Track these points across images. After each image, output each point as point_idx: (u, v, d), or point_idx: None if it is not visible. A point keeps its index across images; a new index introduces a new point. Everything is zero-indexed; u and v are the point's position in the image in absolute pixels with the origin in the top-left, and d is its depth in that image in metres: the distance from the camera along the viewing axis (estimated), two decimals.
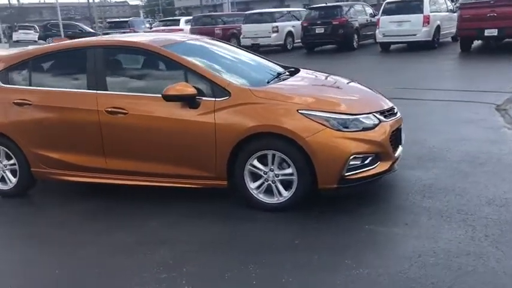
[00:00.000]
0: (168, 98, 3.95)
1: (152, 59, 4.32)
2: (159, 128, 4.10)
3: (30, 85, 4.61)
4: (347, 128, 3.84)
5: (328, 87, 4.51)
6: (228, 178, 4.06)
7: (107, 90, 4.29)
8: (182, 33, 6.40)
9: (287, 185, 3.94)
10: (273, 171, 3.93)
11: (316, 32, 17.60)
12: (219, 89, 4.00)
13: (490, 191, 4.15)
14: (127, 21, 23.96)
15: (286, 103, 3.90)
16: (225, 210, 4.13)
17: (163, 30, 22.36)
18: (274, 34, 18.73)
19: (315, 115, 3.81)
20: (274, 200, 3.99)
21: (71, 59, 4.58)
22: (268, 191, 4.01)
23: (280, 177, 3.94)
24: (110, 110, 4.20)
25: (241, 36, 19.58)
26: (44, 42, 24.93)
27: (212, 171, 4.06)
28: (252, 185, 4.01)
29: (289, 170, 3.88)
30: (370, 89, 4.72)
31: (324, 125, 3.79)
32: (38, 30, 30.04)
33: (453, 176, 4.55)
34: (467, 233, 3.46)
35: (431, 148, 5.44)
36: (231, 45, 5.53)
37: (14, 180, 4.73)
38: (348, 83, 4.75)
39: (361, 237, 3.52)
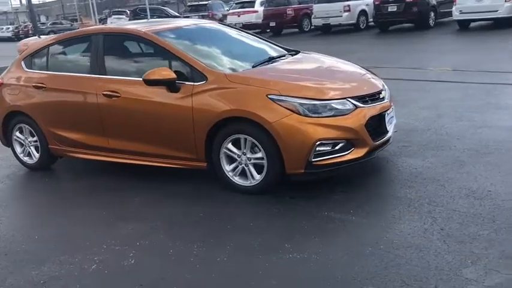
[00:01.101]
0: (148, 82, 4.17)
1: (143, 45, 4.57)
2: (145, 110, 4.36)
3: (47, 70, 5.09)
4: (317, 113, 3.81)
5: (312, 72, 4.45)
6: (208, 160, 4.22)
7: (106, 74, 4.62)
8: (192, 20, 6.53)
9: (260, 168, 4.02)
10: (245, 154, 4.03)
11: (389, 10, 16.85)
12: (198, 74, 4.15)
13: (477, 183, 3.90)
14: (206, 4, 24.60)
15: (257, 88, 3.95)
16: (204, 192, 4.29)
17: (238, 13, 22.74)
18: (346, 13, 18.24)
19: (283, 100, 3.83)
20: (247, 183, 4.09)
21: (79, 45, 4.98)
22: (243, 174, 4.11)
23: (252, 161, 4.02)
24: (106, 93, 4.52)
25: (313, 16, 19.32)
26: None
27: (192, 153, 4.24)
28: (227, 168, 4.14)
29: (260, 154, 3.95)
30: (367, 71, 4.60)
31: (291, 110, 3.80)
32: (128, 15, 31.88)
33: (447, 166, 4.32)
34: (424, 225, 3.33)
35: (443, 135, 5.16)
36: (236, 29, 5.60)
37: (37, 155, 5.28)
38: (339, 67, 4.65)
39: (314, 223, 3.53)
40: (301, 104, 3.81)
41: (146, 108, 4.34)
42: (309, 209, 3.76)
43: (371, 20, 18.42)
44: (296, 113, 3.79)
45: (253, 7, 22.61)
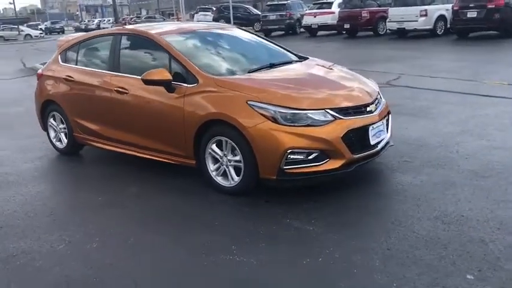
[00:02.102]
0: (146, 82, 4.47)
1: (152, 46, 4.84)
2: (147, 107, 4.66)
3: (76, 64, 5.59)
4: (291, 122, 3.87)
5: (302, 80, 4.46)
6: (196, 159, 4.44)
7: (119, 72, 4.99)
8: (206, 23, 6.72)
9: (238, 171, 4.15)
10: (226, 156, 4.19)
11: (468, 16, 15.97)
12: (191, 76, 4.37)
13: (454, 207, 3.75)
14: (285, 4, 24.75)
15: (239, 94, 4.08)
16: (190, 188, 4.49)
17: (315, 13, 22.67)
18: (422, 18, 17.52)
19: (261, 107, 3.93)
20: (227, 183, 4.25)
21: (103, 43, 5.40)
22: (225, 175, 4.27)
23: (232, 163, 4.17)
24: (117, 89, 4.89)
25: (388, 20, 18.79)
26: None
27: (183, 150, 4.48)
28: (212, 167, 4.33)
29: (238, 157, 4.09)
30: (366, 83, 4.57)
31: (266, 117, 3.89)
32: (213, 12, 32.94)
33: (436, 185, 4.18)
34: (373, 243, 3.28)
35: (452, 153, 4.95)
36: (253, 35, 5.72)
37: (65, 141, 5.82)
38: (333, 77, 4.62)
39: (272, 229, 3.60)
40: (276, 112, 3.89)
41: (148, 105, 4.64)
42: (276, 215, 3.84)
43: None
44: (271, 120, 3.88)
45: (331, 8, 22.45)
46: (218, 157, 4.24)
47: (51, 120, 5.91)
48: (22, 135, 6.90)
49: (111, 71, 5.06)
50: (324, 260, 3.13)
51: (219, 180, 4.30)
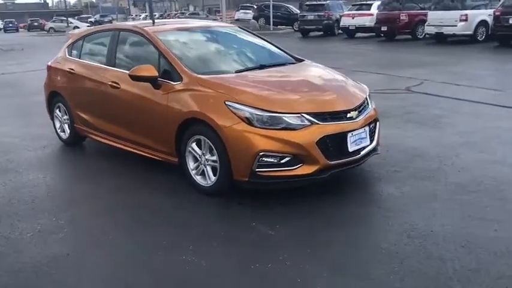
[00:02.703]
0: (133, 78, 4.53)
1: (145, 42, 4.89)
2: (135, 103, 4.73)
3: (78, 58, 5.74)
4: (266, 124, 3.83)
5: (285, 83, 4.38)
6: (178, 156, 4.46)
7: (114, 66, 5.08)
8: (209, 22, 6.69)
9: (215, 171, 4.15)
10: (205, 156, 4.19)
11: (510, 22, 15.28)
12: (176, 74, 4.40)
13: (426, 221, 3.61)
14: (324, 4, 24.48)
15: (218, 94, 4.08)
16: (176, 186, 4.49)
17: (353, 15, 22.34)
18: (462, 23, 16.91)
19: (237, 108, 3.91)
20: (205, 183, 4.25)
21: (103, 39, 5.51)
22: (204, 174, 4.27)
23: (209, 163, 4.17)
24: (111, 83, 4.99)
25: (426, 23, 18.25)
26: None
27: (167, 148, 4.52)
28: (192, 166, 4.34)
29: (215, 157, 4.09)
30: (353, 89, 4.46)
31: (241, 118, 3.87)
32: (254, 10, 33.03)
33: (416, 198, 4.03)
34: (325, 254, 3.20)
35: (446, 165, 4.76)
36: (254, 35, 5.68)
37: (68, 132, 5.99)
38: (319, 82, 4.50)
39: (233, 232, 3.58)
40: (252, 114, 3.86)
41: (136, 101, 4.71)
42: (245, 218, 3.81)
43: None
44: (245, 122, 3.85)
45: (370, 10, 22.04)
46: (197, 156, 4.25)
47: (57, 111, 6.10)
48: (36, 124, 7.14)
49: (107, 66, 5.17)
50: (273, 266, 3.08)
51: (198, 179, 4.31)
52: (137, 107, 4.72)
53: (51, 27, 44.83)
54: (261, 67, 4.75)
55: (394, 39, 20.31)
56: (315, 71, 4.86)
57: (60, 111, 6.04)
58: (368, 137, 4.24)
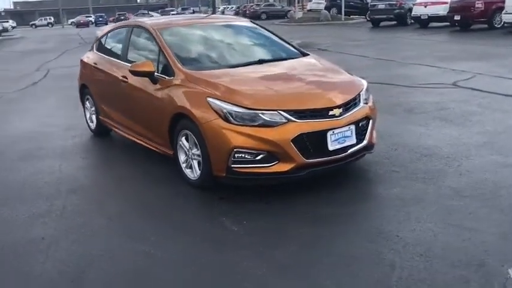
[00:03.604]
0: (132, 73, 4.73)
1: (150, 38, 5.05)
2: (139, 96, 4.93)
3: (102, 52, 6.06)
4: (241, 120, 3.85)
5: (275, 79, 4.32)
6: (173, 149, 4.60)
7: (126, 61, 5.32)
8: (219, 17, 6.70)
9: (200, 165, 4.24)
10: (191, 150, 4.29)
11: None
12: (170, 69, 4.53)
13: (397, 225, 3.45)
14: None
15: (202, 89, 4.15)
16: (172, 177, 4.63)
17: (425, 3, 21.25)
18: None
19: (216, 104, 3.96)
20: (192, 176, 4.36)
21: (121, 35, 5.77)
22: (192, 168, 4.38)
23: (195, 157, 4.26)
24: (121, 77, 5.24)
25: (504, 11, 16.91)
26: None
27: (163, 140, 4.68)
28: (182, 159, 4.46)
29: (199, 152, 4.18)
30: (347, 84, 4.35)
31: (218, 114, 3.92)
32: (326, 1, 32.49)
33: (400, 200, 3.86)
34: (276, 256, 3.18)
35: (451, 167, 4.50)
36: (263, 29, 5.65)
37: (95, 122, 6.37)
38: (311, 77, 4.43)
39: (198, 226, 3.67)
40: (228, 110, 3.89)
41: (139, 95, 4.91)
42: (218, 212, 3.87)
43: None
44: (222, 118, 3.90)
45: None
46: (186, 150, 4.36)
47: (87, 102, 6.50)
48: (76, 115, 7.61)
49: (121, 60, 5.42)
50: (221, 261, 3.12)
51: (187, 172, 4.42)
52: (140, 101, 4.93)
53: None
54: (260, 62, 4.75)
55: (468, 29, 19.05)
56: (310, 67, 4.77)
57: (89, 103, 6.42)
58: (354, 135, 4.10)
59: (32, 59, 17.66)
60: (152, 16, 46.76)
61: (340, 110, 4.01)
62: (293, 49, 5.27)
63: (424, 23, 21.88)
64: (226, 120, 3.88)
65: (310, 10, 33.25)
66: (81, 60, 6.56)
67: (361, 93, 4.35)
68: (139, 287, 2.92)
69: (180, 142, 4.40)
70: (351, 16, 30.77)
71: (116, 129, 5.76)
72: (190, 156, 4.32)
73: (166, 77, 4.53)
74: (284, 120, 3.83)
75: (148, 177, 4.77)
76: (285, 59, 4.96)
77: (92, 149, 6.02)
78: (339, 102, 4.04)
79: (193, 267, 3.07)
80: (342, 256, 3.10)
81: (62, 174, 5.01)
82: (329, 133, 3.92)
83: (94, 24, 58.30)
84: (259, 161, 3.86)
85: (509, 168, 4.36)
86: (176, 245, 3.39)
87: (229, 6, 56.60)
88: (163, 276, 3.00)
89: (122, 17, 55.52)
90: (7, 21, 60.79)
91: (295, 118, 3.85)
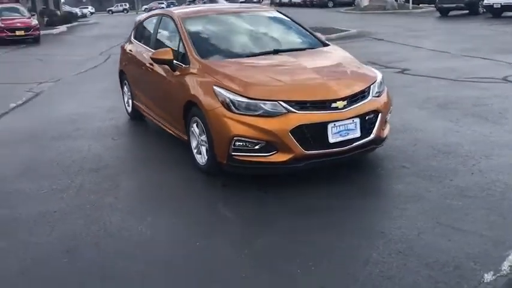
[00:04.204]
0: (154, 60, 4.93)
1: (174, 26, 5.22)
2: (161, 82, 5.14)
3: (137, 40, 6.34)
4: (242, 109, 3.93)
5: (283, 70, 4.34)
6: (188, 134, 4.77)
7: (154, 48, 5.54)
8: (246, 6, 6.71)
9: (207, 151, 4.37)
10: (201, 136, 4.44)
11: None
12: (187, 58, 4.69)
13: (385, 222, 3.43)
14: None
15: (211, 78, 4.27)
16: (177, 161, 4.85)
17: None
18: None
19: (220, 93, 4.07)
20: (201, 161, 4.51)
21: (151, 23, 6.00)
22: (201, 153, 4.52)
23: (203, 143, 4.40)
24: (149, 65, 5.47)
25: None
26: None
27: (180, 126, 4.86)
28: (194, 145, 4.62)
29: (206, 138, 4.31)
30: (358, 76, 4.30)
31: (222, 103, 4.02)
32: None
33: (398, 198, 3.80)
34: (250, 251, 3.26)
35: (464, 166, 4.35)
36: (287, 18, 5.64)
37: (131, 107, 6.69)
38: (322, 68, 4.41)
39: (196, 209, 3.83)
40: (231, 99, 3.98)
41: (162, 81, 5.12)
42: (217, 199, 4.03)
43: None
44: (225, 107, 4.00)
45: None
46: (196, 136, 4.51)
47: (125, 87, 6.83)
48: (121, 99, 8.02)
49: (150, 48, 5.65)
50: (205, 246, 3.24)
51: (198, 157, 4.57)
52: (162, 87, 5.14)
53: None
54: (275, 52, 4.79)
55: None
56: (325, 58, 4.73)
57: (126, 88, 6.75)
58: (359, 129, 4.05)
59: (99, 44, 18.60)
60: (219, 3, 47.37)
61: (345, 102, 3.98)
62: (314, 39, 5.25)
63: (497, 12, 20.57)
64: (229, 108, 3.98)
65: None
66: (121, 47, 6.89)
67: (371, 86, 4.28)
68: (120, 266, 3.10)
69: (192, 128, 4.55)
70: (420, 5, 29.51)
71: (145, 114, 6.02)
72: (199, 142, 4.47)
73: (184, 65, 4.69)
74: (284, 111, 3.87)
75: (166, 160, 4.98)
76: (302, 49, 4.96)
77: (125, 131, 6.33)
78: (343, 94, 4.01)
79: (177, 250, 3.23)
80: (321, 249, 3.13)
81: (89, 154, 5.34)
82: (330, 125, 3.91)
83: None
84: (258, 150, 3.93)
85: None
86: (168, 227, 3.56)
87: None
88: (144, 256, 3.18)
89: (191, 4, 56.66)
90: (86, 8, 64.18)
91: (296, 109, 3.87)
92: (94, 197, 4.15)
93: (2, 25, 19.14)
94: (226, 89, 4.05)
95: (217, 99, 4.07)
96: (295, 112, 3.86)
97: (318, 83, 4.13)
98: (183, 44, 4.82)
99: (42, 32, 22.33)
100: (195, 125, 4.50)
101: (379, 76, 4.51)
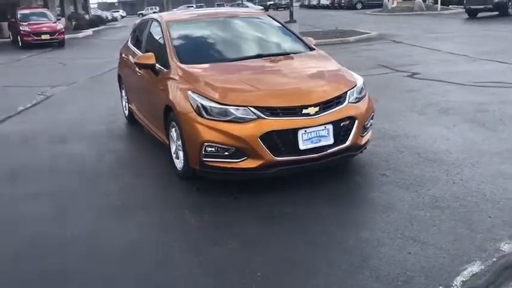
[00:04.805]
0: (136, 65, 4.96)
1: (160, 31, 5.23)
2: (146, 87, 5.17)
3: (132, 44, 6.39)
4: (213, 115, 3.89)
5: (259, 75, 4.31)
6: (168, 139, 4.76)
7: (143, 53, 5.56)
8: (237, 9, 6.65)
9: None
10: (178, 141, 4.42)
11: None
12: (167, 63, 4.69)
13: (345, 232, 3.32)
14: None
15: (186, 83, 4.25)
16: (161, 166, 4.86)
17: None
18: None
19: (194, 98, 4.04)
20: (179, 166, 4.49)
21: (143, 28, 6.02)
22: (179, 158, 4.50)
23: (180, 148, 4.39)
24: (138, 68, 5.49)
25: None
26: None
27: (162, 130, 4.86)
28: (173, 150, 4.61)
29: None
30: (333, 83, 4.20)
31: (193, 108, 4.00)
32: None
33: (366, 207, 3.70)
34: (199, 244, 3.22)
35: (447, 175, 4.19)
36: (277, 23, 5.56)
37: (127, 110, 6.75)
38: (299, 74, 4.37)
39: (161, 214, 3.82)
40: (203, 104, 3.95)
41: (147, 86, 5.14)
42: (186, 204, 4.01)
43: None
44: (197, 112, 3.97)
45: None
46: (174, 141, 4.50)
47: (122, 91, 6.90)
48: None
49: (140, 52, 5.69)
50: (163, 250, 3.23)
51: (176, 162, 4.55)
52: (147, 92, 5.16)
53: None
54: (258, 56, 4.74)
55: None
56: (305, 63, 4.65)
57: (123, 91, 6.82)
58: (331, 135, 3.95)
59: (119, 47, 18.87)
60: (245, 6, 47.56)
61: (316, 108, 3.89)
62: (300, 44, 5.16)
63: None
64: (200, 114, 3.94)
65: None
66: (120, 52, 6.97)
67: (349, 91, 4.17)
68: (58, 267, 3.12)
69: (171, 133, 4.54)
70: (450, 6, 28.85)
71: (137, 118, 6.06)
72: (177, 147, 4.45)
73: (165, 70, 4.69)
74: (254, 117, 3.81)
75: (151, 165, 5.00)
76: (286, 54, 4.89)
77: (119, 135, 6.38)
78: (315, 100, 3.92)
79: (128, 254, 3.22)
80: (273, 258, 3.05)
81: (77, 157, 5.38)
82: (300, 132, 3.82)
83: None
84: (228, 156, 3.89)
85: (510, 180, 3.94)
86: (127, 231, 3.55)
87: None
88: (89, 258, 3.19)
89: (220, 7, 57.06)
90: (118, 11, 65.48)
91: (266, 115, 3.81)
92: (67, 200, 4.20)
93: (29, 29, 19.71)
94: (199, 94, 4.02)
95: (190, 104, 4.05)
96: (265, 118, 3.80)
97: (291, 88, 4.06)
98: (165, 49, 4.82)
99: (68, 36, 22.92)
100: (173, 130, 4.49)
101: (359, 81, 4.40)
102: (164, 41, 4.93)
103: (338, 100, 4.06)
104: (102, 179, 4.67)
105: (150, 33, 5.63)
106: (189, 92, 4.10)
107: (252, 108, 3.82)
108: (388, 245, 3.09)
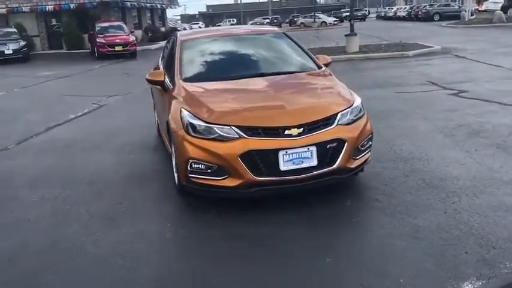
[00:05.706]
0: (148, 81, 5.18)
1: (174, 48, 5.44)
2: (160, 101, 5.40)
3: (161, 60, 6.65)
4: (199, 133, 3.99)
5: (250, 94, 4.36)
6: None
7: (164, 69, 5.81)
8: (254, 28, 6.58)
9: None
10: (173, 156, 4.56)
11: None
12: (174, 80, 4.86)
13: (314, 258, 3.23)
14: None
15: (183, 100, 4.38)
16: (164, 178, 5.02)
17: None
18: None
19: (184, 115, 4.16)
20: (176, 180, 4.61)
21: (169, 45, 6.25)
22: None
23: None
24: None
25: None
26: None
27: (169, 145, 5.03)
28: (174, 164, 4.75)
29: None
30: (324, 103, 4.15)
31: (183, 125, 4.11)
32: None
33: (352, 232, 3.57)
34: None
35: (437, 203, 3.97)
36: (290, 41, 5.54)
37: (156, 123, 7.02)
38: (290, 94, 4.37)
39: (146, 227, 3.95)
40: (191, 122, 4.05)
41: (160, 101, 5.37)
42: (171, 218, 4.17)
43: None
44: (185, 130, 4.08)
45: None
46: (173, 156, 4.64)
47: (154, 105, 7.20)
48: None
49: (162, 68, 5.94)
50: (132, 264, 3.36)
51: (175, 176, 4.69)
52: (160, 107, 5.38)
53: (302, 22, 48.29)
54: (260, 75, 4.78)
55: None
56: (304, 83, 4.62)
57: (154, 105, 7.11)
58: (315, 157, 3.88)
59: None
60: (317, 17, 47.34)
61: (300, 130, 3.86)
62: (309, 62, 5.12)
63: None
64: (188, 132, 4.05)
65: (485, 10, 30.05)
66: (153, 67, 7.29)
67: (340, 113, 4.07)
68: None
69: (172, 149, 4.70)
70: None
71: (159, 131, 6.30)
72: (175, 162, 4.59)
73: (171, 87, 4.87)
74: (236, 136, 3.85)
75: (157, 178, 5.14)
76: (290, 73, 4.87)
77: (145, 147, 6.59)
78: (299, 122, 3.88)
79: (94, 266, 3.38)
80: (234, 279, 3.06)
81: (97, 167, 5.71)
82: (281, 152, 3.80)
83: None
84: (211, 174, 3.95)
85: (507, 213, 3.64)
86: (107, 243, 3.71)
87: (403, 7, 54.20)
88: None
89: (296, 19, 57.25)
90: (197, 23, 67.92)
91: (248, 135, 3.83)
92: (69, 208, 4.47)
93: (104, 41, 21.08)
94: (189, 112, 4.14)
95: (181, 121, 4.18)
96: (246, 138, 3.83)
97: (277, 109, 4.06)
98: (175, 66, 5.01)
99: (142, 47, 24.20)
100: (172, 145, 4.64)
101: (356, 102, 4.29)
102: (175, 59, 5.11)
103: (326, 122, 3.99)
104: (108, 189, 4.91)
105: (170, 50, 5.86)
106: (182, 109, 4.22)
107: (234, 128, 3.87)
108: (347, 274, 3.00)
